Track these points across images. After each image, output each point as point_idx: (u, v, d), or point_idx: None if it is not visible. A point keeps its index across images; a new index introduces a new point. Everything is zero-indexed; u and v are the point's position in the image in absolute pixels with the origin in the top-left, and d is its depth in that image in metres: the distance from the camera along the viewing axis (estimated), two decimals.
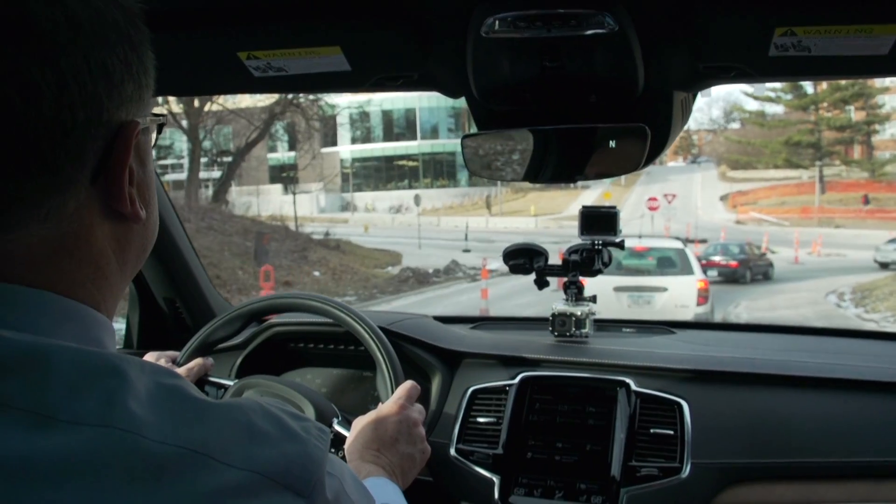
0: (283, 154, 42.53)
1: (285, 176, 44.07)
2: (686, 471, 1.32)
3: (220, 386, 1.46)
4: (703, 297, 10.34)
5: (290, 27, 1.05)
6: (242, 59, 1.12)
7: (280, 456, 0.53)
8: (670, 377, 1.46)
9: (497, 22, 0.98)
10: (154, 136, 0.66)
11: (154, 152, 0.67)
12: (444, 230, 34.99)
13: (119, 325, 2.11)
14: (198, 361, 1.47)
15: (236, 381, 1.45)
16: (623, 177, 52.00)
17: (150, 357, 1.47)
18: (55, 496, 0.45)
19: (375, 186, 51.47)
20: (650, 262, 11.28)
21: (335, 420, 1.33)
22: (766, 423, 1.37)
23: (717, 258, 19.27)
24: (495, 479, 1.40)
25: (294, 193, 31.18)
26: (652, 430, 1.39)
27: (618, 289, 10.42)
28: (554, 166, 1.25)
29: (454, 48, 1.08)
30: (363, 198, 50.01)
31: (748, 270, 19.13)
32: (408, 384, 1.26)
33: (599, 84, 1.16)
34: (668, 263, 11.07)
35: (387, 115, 50.11)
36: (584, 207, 1.64)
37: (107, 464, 0.46)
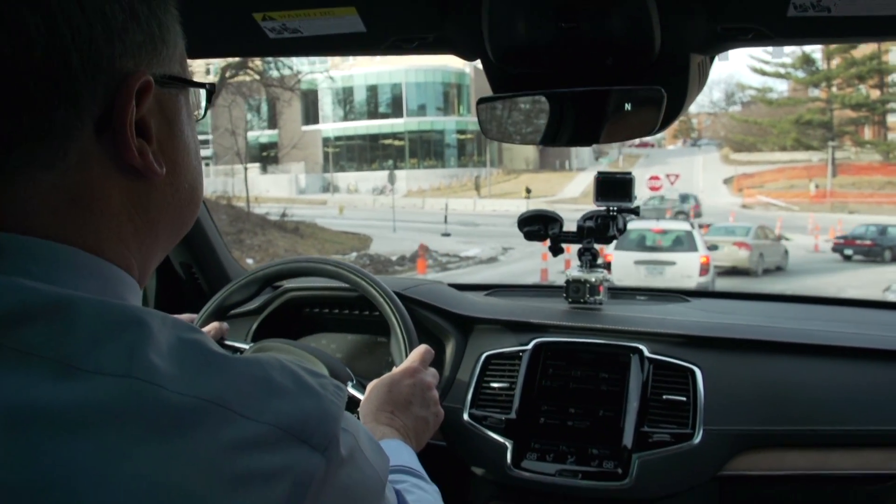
0: (263, 133, 42.02)
1: (265, 155, 43.66)
2: (698, 437, 1.39)
3: (235, 350, 1.53)
4: (704, 270, 13.55)
5: None
6: (258, 20, 1.16)
7: (297, 410, 0.55)
8: (683, 344, 1.53)
9: None
10: (200, 100, 0.70)
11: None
12: (427, 212, 34.52)
13: None
14: (213, 326, 1.54)
15: (252, 344, 1.52)
16: (621, 158, 51.98)
17: None
18: (76, 445, 0.47)
19: (359, 166, 50.91)
20: (666, 241, 14.64)
21: (349, 383, 1.41)
22: (780, 390, 1.44)
23: (855, 239, 21.75)
24: (508, 443, 1.47)
25: (246, 169, 29.81)
26: (664, 397, 1.45)
27: (637, 262, 13.98)
28: (570, 129, 1.29)
29: (470, 8, 1.14)
30: (346, 178, 49.48)
31: (887, 250, 21.54)
32: (422, 348, 1.33)
33: (615, 46, 1.20)
34: (679, 242, 14.44)
35: (371, 91, 49.66)
36: (599, 173, 1.70)
37: (127, 414, 0.49)
